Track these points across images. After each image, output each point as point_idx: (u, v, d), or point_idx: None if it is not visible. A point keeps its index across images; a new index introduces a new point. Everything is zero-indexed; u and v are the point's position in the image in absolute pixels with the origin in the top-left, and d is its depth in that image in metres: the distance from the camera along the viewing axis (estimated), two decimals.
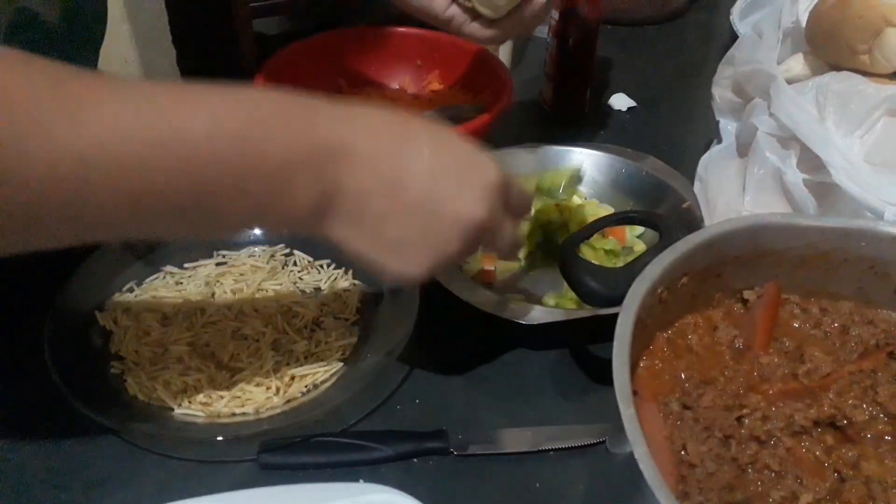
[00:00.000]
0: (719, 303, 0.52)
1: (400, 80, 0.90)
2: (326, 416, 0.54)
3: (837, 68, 0.65)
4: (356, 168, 0.39)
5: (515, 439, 0.54)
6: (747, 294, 0.52)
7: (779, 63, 0.70)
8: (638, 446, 0.36)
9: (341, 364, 0.59)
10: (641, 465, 0.35)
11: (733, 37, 0.98)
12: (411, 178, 0.40)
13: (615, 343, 0.41)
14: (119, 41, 1.37)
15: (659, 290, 0.46)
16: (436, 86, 0.88)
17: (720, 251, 0.49)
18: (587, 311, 0.59)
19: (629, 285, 0.44)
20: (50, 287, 0.60)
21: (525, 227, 0.70)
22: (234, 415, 0.54)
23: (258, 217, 0.43)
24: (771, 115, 0.64)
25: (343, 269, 0.67)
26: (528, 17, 0.62)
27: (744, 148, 0.70)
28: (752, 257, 0.50)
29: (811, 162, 0.60)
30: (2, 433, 0.54)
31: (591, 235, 0.56)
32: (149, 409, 0.55)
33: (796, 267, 0.51)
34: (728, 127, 0.77)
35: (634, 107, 0.94)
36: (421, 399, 0.57)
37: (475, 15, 0.63)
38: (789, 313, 0.52)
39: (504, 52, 0.95)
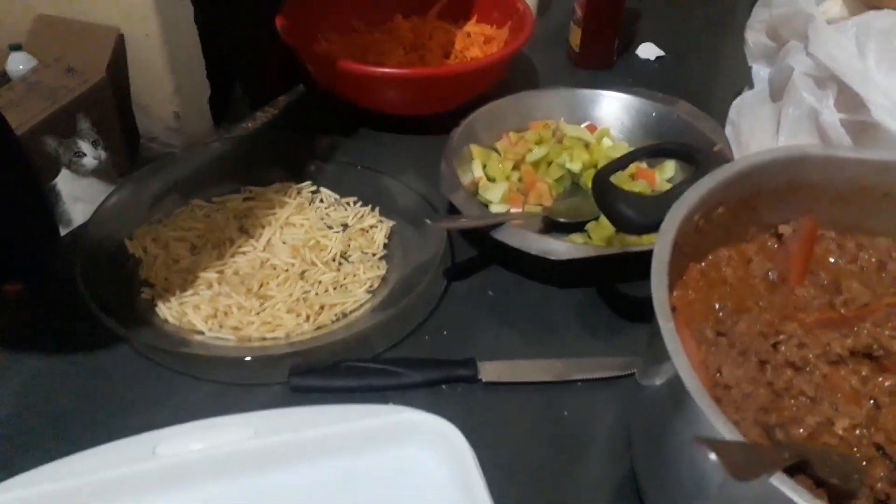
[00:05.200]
0: (753, 237, 0.51)
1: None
2: (356, 343, 0.54)
3: (877, 8, 0.64)
4: None
5: (544, 369, 0.54)
6: (782, 228, 0.51)
7: (816, 4, 0.69)
8: (678, 357, 0.36)
9: (369, 296, 0.59)
10: (682, 375, 0.35)
11: None
12: None
13: (654, 260, 0.40)
14: None
15: (696, 217, 0.46)
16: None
17: (757, 182, 0.48)
18: (616, 248, 0.59)
19: (663, 213, 0.44)
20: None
21: (555, 169, 0.69)
22: (264, 339, 0.54)
23: None
24: (808, 54, 0.63)
25: (369, 206, 0.67)
26: None
27: (777, 92, 0.69)
28: (789, 190, 0.50)
29: (849, 101, 0.59)
30: (35, 357, 0.55)
31: (626, 166, 0.55)
32: (179, 332, 0.55)
33: (833, 202, 0.50)
34: (761, 73, 0.76)
35: (663, 56, 0.93)
36: (448, 331, 0.57)
37: None
38: (825, 249, 0.51)
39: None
